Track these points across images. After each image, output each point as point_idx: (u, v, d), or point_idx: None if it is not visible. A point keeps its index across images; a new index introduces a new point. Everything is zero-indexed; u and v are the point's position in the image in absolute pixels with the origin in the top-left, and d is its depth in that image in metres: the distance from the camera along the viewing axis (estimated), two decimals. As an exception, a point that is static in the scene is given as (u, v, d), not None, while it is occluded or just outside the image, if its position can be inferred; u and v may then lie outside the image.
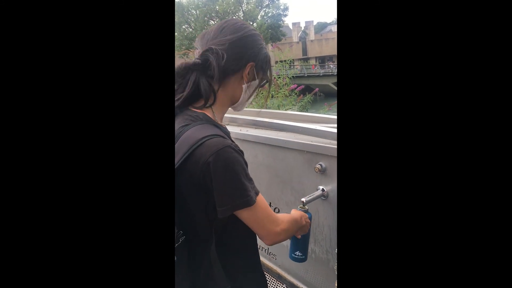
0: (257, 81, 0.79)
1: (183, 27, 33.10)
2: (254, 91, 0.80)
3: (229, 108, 0.82)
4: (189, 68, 0.72)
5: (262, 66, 0.78)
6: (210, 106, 0.74)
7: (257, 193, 0.68)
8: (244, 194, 0.65)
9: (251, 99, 0.82)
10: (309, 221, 0.91)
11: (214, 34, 0.75)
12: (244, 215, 0.67)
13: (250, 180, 0.68)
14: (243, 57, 0.74)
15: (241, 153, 0.68)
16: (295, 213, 0.88)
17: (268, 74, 0.82)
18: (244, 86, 0.76)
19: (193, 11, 34.07)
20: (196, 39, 0.78)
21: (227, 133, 0.75)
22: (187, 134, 0.66)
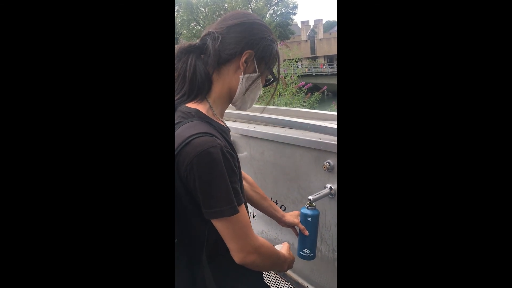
0: (257, 74, 0.71)
1: (192, 24, 33.26)
2: (252, 84, 0.72)
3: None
4: (185, 50, 0.69)
5: (263, 58, 0.71)
6: (205, 95, 0.70)
7: (240, 203, 0.63)
8: (220, 203, 0.61)
9: (253, 96, 0.75)
10: (291, 266, 0.86)
11: (217, 22, 0.72)
12: (218, 224, 0.63)
13: (235, 186, 0.63)
14: (239, 43, 0.68)
15: (230, 154, 0.63)
16: (284, 249, 0.83)
17: (276, 72, 0.76)
18: (240, 77, 0.70)
19: (202, 8, 34.19)
20: (204, 31, 0.74)
21: (224, 130, 0.71)
22: (177, 133, 0.63)
